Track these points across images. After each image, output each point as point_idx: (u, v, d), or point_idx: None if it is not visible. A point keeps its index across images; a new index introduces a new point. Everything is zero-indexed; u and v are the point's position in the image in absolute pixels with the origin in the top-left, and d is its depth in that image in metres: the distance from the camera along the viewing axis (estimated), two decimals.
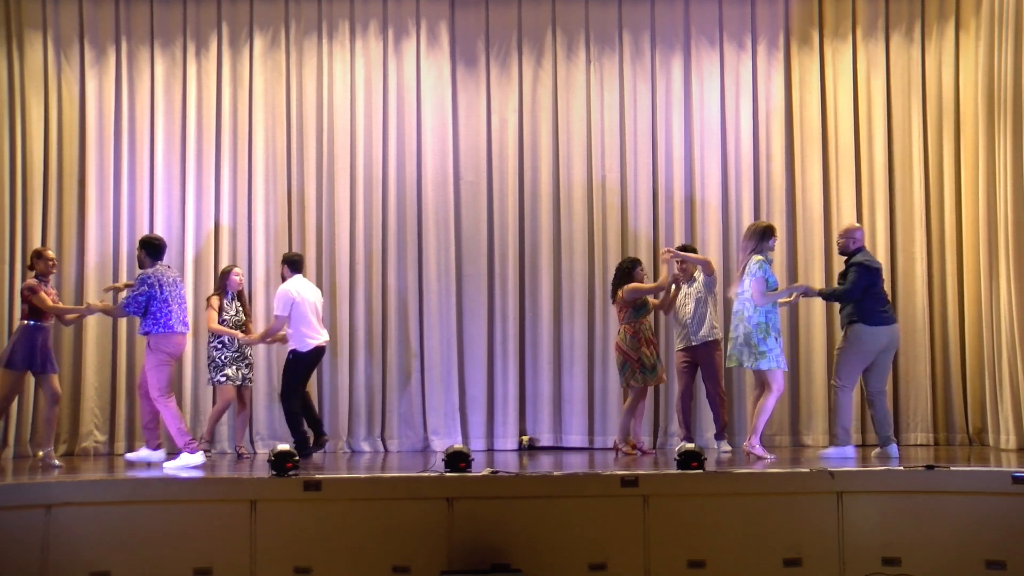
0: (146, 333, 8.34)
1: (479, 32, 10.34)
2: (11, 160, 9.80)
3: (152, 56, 10.11)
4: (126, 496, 6.89)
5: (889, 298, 8.58)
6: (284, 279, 9.21)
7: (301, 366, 9.04)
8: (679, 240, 10.11)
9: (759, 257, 8.11)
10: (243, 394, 9.39)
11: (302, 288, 9.09)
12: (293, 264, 9.24)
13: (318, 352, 9.12)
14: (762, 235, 8.19)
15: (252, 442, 9.82)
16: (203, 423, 9.63)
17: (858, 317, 8.22)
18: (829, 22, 10.34)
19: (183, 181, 10.05)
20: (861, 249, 8.42)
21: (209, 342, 9.30)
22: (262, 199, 10.08)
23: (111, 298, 9.31)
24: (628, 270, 9.19)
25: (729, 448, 9.09)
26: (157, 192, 10.01)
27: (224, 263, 9.91)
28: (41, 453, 8.55)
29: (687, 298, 9.21)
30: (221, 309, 9.22)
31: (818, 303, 9.93)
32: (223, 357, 9.17)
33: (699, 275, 9.25)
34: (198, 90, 10.14)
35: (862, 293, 8.21)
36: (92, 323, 9.72)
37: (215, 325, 9.15)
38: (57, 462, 8.41)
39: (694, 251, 9.46)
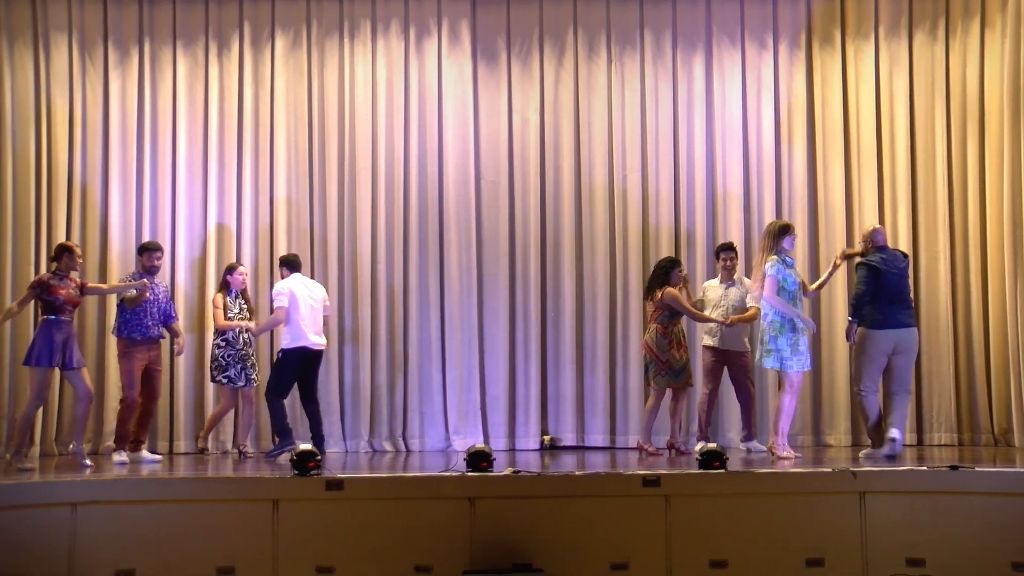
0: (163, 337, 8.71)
1: (500, 31, 10.34)
2: (36, 160, 9.87)
3: (174, 56, 10.16)
4: (150, 495, 6.93)
5: (902, 299, 8.28)
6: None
7: (286, 364, 9.04)
8: (700, 240, 10.11)
9: (774, 257, 8.11)
10: (247, 394, 9.38)
11: (296, 287, 9.10)
12: (291, 264, 9.29)
13: (306, 353, 9.07)
14: (777, 235, 8.18)
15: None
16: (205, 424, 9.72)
17: (861, 321, 8.17)
18: (851, 21, 10.29)
19: (205, 181, 10.09)
20: (879, 249, 8.35)
21: (213, 340, 9.34)
22: (284, 199, 10.12)
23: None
24: (667, 270, 9.05)
25: (763, 447, 9.06)
26: (179, 192, 10.06)
27: (246, 263, 9.96)
28: (72, 447, 8.48)
29: (724, 299, 9.19)
30: (225, 308, 9.28)
31: (839, 303, 9.91)
32: (226, 356, 9.21)
33: (739, 278, 9.22)
34: (220, 90, 10.19)
35: (874, 293, 8.10)
36: (113, 322, 9.77)
37: (223, 322, 9.21)
38: (88, 461, 8.36)
39: (734, 250, 9.40)
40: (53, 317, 8.26)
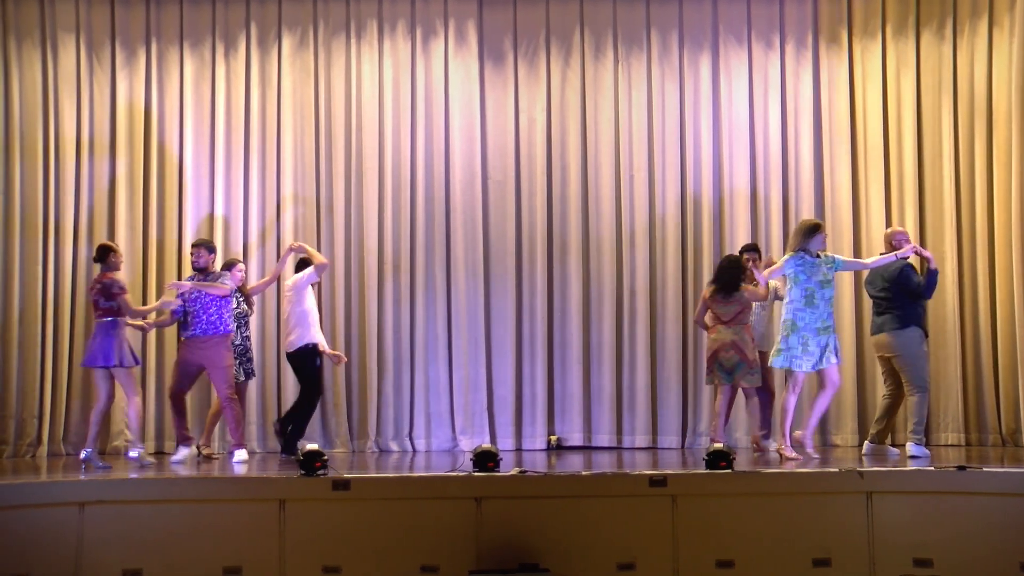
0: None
1: (507, 31, 10.34)
2: (44, 160, 9.89)
3: (181, 57, 10.17)
4: (157, 495, 6.95)
5: (875, 305, 8.54)
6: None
7: None
8: (706, 240, 10.10)
9: (791, 253, 8.11)
10: (240, 389, 9.31)
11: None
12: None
13: None
14: (805, 233, 8.15)
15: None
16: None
17: None
18: (858, 20, 10.28)
19: (212, 181, 10.11)
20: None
21: None
22: (291, 199, 10.13)
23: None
24: (741, 268, 8.85)
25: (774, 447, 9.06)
26: (186, 192, 10.07)
27: (253, 262, 9.98)
28: (83, 453, 8.33)
29: None
30: None
31: (845, 306, 9.92)
32: None
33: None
34: (227, 90, 10.20)
35: None
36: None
37: None
38: (102, 463, 8.25)
39: (757, 251, 9.31)
40: (120, 319, 8.37)
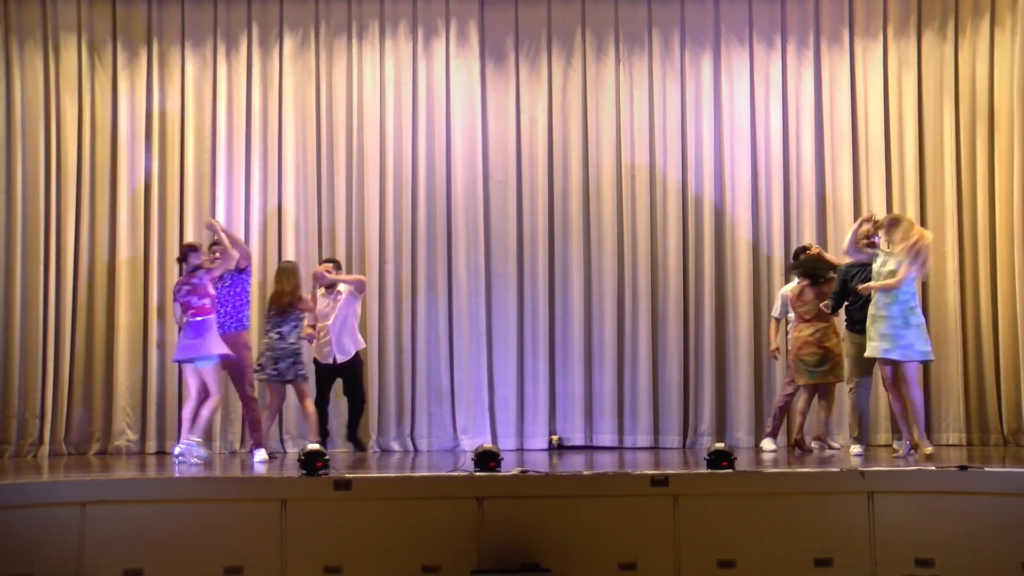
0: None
1: (508, 31, 10.34)
2: (46, 160, 9.90)
3: (183, 57, 10.17)
4: (159, 495, 6.95)
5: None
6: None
7: None
8: (708, 239, 10.10)
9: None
10: (301, 390, 9.10)
11: None
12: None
13: None
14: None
15: (282, 441, 9.88)
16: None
17: None
18: (860, 20, 10.27)
19: (213, 181, 10.11)
20: None
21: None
22: (292, 199, 10.13)
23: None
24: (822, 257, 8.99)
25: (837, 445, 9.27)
26: (188, 192, 10.07)
27: (254, 263, 9.95)
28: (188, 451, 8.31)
29: None
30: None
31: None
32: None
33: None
34: (228, 90, 10.20)
35: None
36: (123, 322, 9.80)
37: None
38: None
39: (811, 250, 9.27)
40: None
